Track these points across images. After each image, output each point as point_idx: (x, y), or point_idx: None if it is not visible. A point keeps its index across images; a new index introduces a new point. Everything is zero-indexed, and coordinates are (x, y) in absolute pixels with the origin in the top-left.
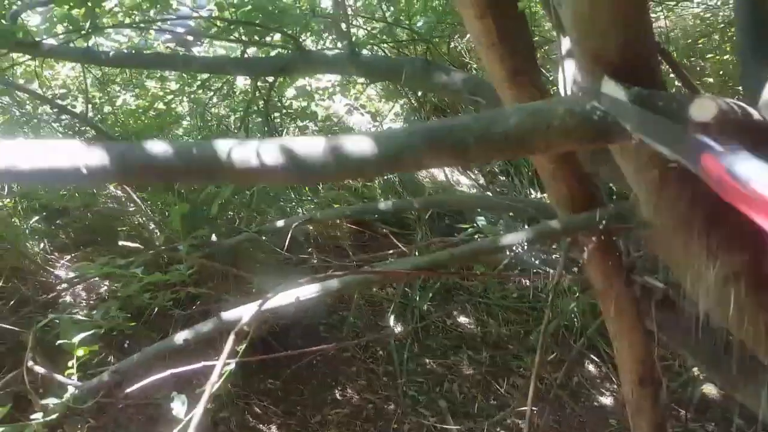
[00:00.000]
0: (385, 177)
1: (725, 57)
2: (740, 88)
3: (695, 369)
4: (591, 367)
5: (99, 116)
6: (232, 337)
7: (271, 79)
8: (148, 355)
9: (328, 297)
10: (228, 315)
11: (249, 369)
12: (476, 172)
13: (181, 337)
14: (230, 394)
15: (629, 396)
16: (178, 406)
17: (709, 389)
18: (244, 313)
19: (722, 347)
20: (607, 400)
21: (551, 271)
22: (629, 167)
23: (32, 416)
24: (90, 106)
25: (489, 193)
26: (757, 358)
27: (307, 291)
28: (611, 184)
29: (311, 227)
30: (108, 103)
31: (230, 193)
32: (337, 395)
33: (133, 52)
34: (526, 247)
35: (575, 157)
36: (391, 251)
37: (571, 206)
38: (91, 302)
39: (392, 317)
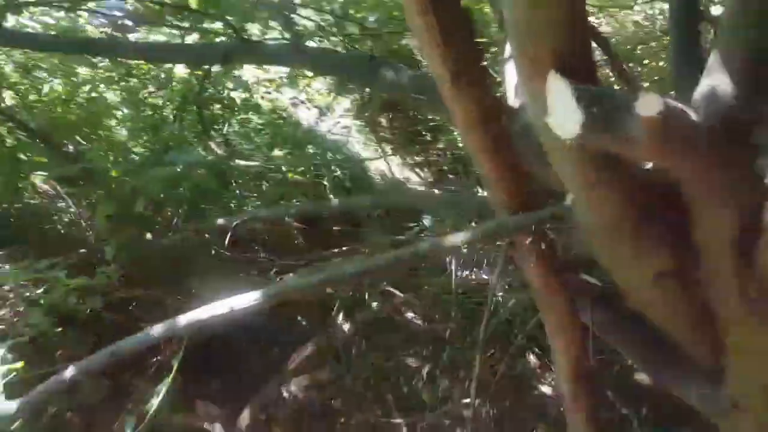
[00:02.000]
0: (335, 174)
1: (660, 63)
2: (673, 92)
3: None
4: (532, 358)
5: (20, 104)
6: None
7: (214, 68)
8: (48, 389)
9: (265, 305)
10: (132, 340)
11: (192, 368)
12: (425, 169)
13: (68, 373)
14: (172, 399)
15: (564, 390)
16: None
17: (642, 377)
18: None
19: (652, 342)
20: (547, 389)
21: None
22: (564, 170)
23: None
24: (12, 93)
25: (436, 191)
26: (684, 351)
27: (241, 301)
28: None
29: (259, 225)
30: (33, 92)
31: (160, 189)
32: (284, 393)
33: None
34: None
35: (515, 160)
36: (342, 249)
37: (511, 207)
38: (14, 306)
39: (340, 316)
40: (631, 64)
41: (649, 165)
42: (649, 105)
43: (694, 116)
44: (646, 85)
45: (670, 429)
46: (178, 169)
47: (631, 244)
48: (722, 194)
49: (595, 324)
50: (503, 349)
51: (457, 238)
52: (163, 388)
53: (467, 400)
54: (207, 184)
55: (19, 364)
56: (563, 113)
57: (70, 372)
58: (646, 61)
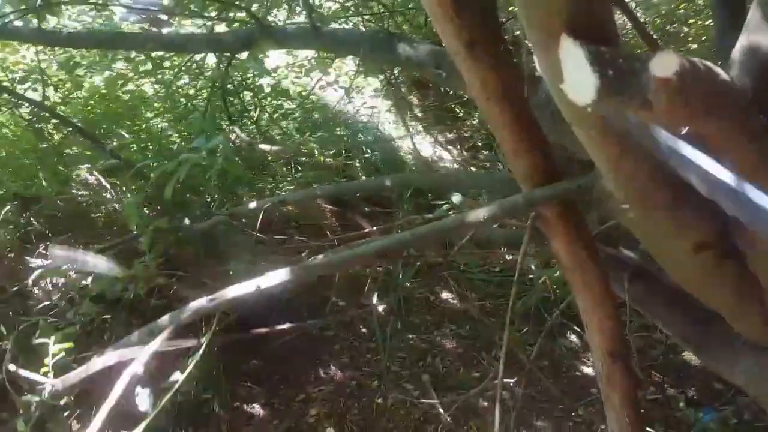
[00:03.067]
0: (365, 155)
1: (707, 22)
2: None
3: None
4: (573, 338)
5: (63, 100)
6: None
7: (242, 57)
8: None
9: (292, 284)
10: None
11: (232, 350)
12: (458, 147)
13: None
14: (213, 375)
15: (599, 368)
16: (143, 401)
17: (690, 356)
18: (194, 308)
19: (694, 317)
20: (588, 370)
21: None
22: (587, 141)
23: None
24: (54, 90)
25: (473, 168)
26: (727, 326)
27: (268, 280)
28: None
29: (291, 209)
30: (74, 87)
31: (189, 173)
32: (321, 373)
33: (91, 32)
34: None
35: (537, 130)
36: (373, 229)
37: (535, 180)
38: (65, 293)
39: (375, 295)
40: (675, 24)
41: (684, 130)
42: (664, 64)
43: (724, 76)
44: (693, 47)
45: (716, 409)
46: (204, 155)
47: (666, 215)
48: (760, 159)
49: (632, 299)
50: (540, 328)
51: (480, 213)
52: (190, 364)
53: (505, 380)
54: (232, 168)
55: (69, 344)
56: (578, 78)
57: (109, 354)
58: (691, 21)
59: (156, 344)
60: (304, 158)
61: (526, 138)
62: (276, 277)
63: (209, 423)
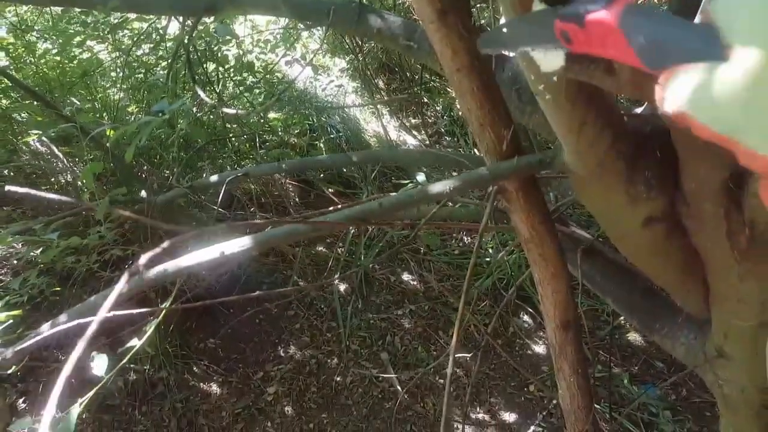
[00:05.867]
0: (331, 135)
1: None
2: None
3: (621, 318)
4: (526, 318)
5: (13, 65)
6: (124, 280)
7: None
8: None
9: (256, 251)
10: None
11: (187, 329)
12: (422, 131)
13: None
14: (167, 353)
15: (553, 340)
16: (98, 365)
17: (635, 336)
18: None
19: (642, 293)
20: (539, 349)
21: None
22: (552, 111)
23: None
24: (6, 54)
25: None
26: (672, 301)
27: (232, 246)
28: (538, 132)
29: (254, 186)
30: (27, 53)
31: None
32: (280, 352)
33: None
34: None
35: (503, 105)
36: (337, 208)
37: (498, 154)
38: (11, 267)
39: (337, 275)
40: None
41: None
42: None
43: None
44: None
45: (656, 385)
46: (164, 118)
47: (620, 189)
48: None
49: (584, 276)
50: (498, 306)
51: (444, 186)
52: (143, 338)
53: (461, 356)
54: (197, 133)
55: (17, 312)
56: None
57: (50, 326)
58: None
59: (110, 303)
60: (267, 136)
61: (494, 111)
62: (240, 243)
63: (164, 401)
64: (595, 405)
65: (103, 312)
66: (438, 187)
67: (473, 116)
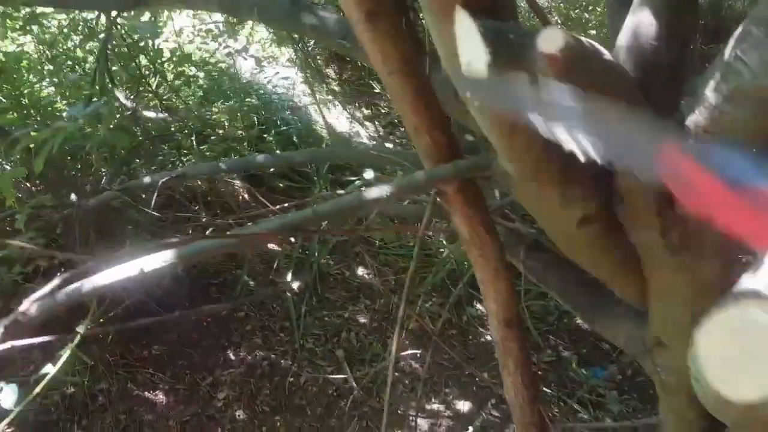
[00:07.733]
0: (282, 128)
1: None
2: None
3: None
4: (479, 306)
5: None
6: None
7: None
8: None
9: (180, 266)
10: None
11: (129, 336)
12: (375, 123)
13: None
14: (108, 363)
15: (496, 336)
16: (6, 398)
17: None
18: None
19: (584, 287)
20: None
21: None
22: (482, 116)
23: None
24: None
25: (389, 145)
26: (612, 293)
27: (152, 262)
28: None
29: (199, 183)
30: None
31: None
32: (230, 355)
33: None
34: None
35: (440, 109)
36: (285, 205)
37: (436, 157)
38: None
39: (290, 273)
40: (577, 10)
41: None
42: (550, 40)
43: (609, 56)
44: (592, 32)
45: (603, 367)
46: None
47: (554, 191)
48: None
49: (527, 271)
50: (449, 298)
51: (382, 191)
52: (66, 352)
53: (408, 353)
54: (118, 139)
55: None
56: (471, 53)
57: None
58: (591, 7)
59: None
60: (210, 129)
61: (428, 115)
62: (162, 258)
63: (105, 414)
64: (545, 389)
65: None
66: (375, 192)
67: (408, 121)
